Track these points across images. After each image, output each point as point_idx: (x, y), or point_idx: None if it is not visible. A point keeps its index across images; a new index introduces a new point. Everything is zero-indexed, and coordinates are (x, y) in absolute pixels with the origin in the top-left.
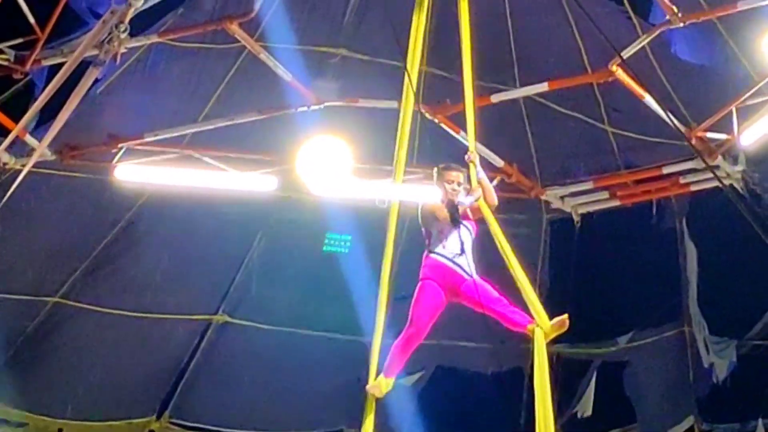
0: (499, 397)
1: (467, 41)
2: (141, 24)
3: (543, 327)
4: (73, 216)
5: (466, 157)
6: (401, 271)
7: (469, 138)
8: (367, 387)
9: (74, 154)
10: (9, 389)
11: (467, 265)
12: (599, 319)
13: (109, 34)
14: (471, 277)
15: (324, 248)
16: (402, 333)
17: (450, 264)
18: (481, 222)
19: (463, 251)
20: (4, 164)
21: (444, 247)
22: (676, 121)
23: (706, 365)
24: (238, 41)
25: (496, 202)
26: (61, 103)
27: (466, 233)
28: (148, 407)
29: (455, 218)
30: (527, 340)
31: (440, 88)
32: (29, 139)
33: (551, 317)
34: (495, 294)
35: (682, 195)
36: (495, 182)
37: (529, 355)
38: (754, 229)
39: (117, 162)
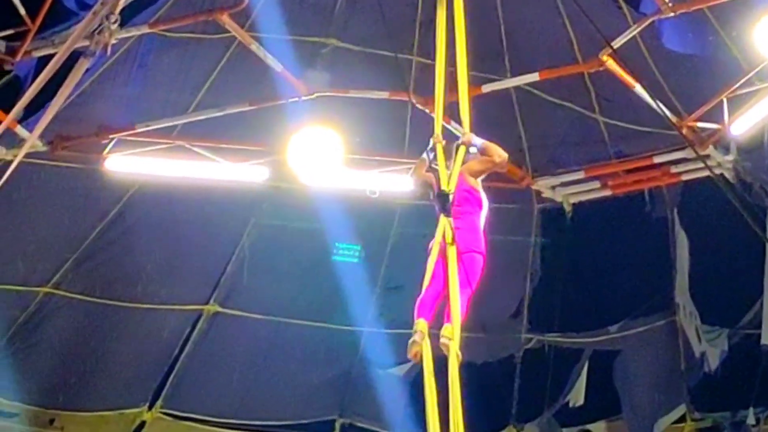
0: (491, 387)
1: (461, 27)
2: (131, 14)
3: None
4: (63, 206)
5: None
6: (393, 262)
7: (463, 119)
8: None
9: (65, 145)
10: (1, 380)
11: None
12: (590, 308)
13: (100, 24)
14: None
15: (333, 258)
16: None
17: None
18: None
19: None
20: None
21: None
22: (666, 111)
23: (697, 354)
24: (229, 32)
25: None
26: (52, 94)
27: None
28: (139, 397)
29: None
30: (519, 331)
31: (431, 78)
32: (20, 130)
33: (543, 306)
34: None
35: (673, 184)
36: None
37: (521, 344)
38: (745, 218)
39: (108, 153)
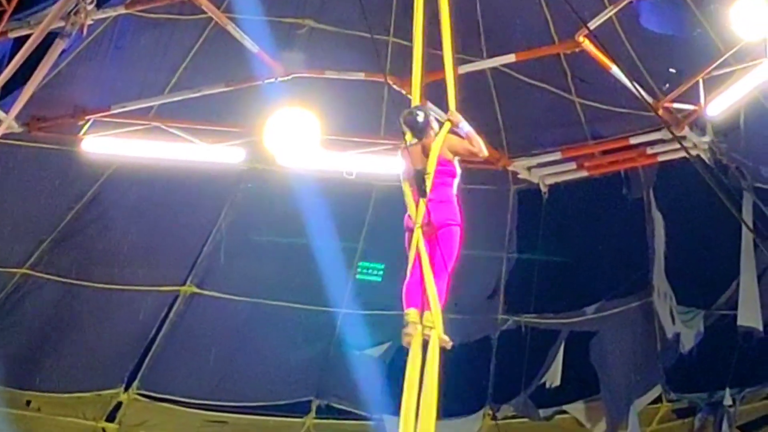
0: (467, 368)
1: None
2: None
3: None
4: (40, 188)
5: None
6: (370, 243)
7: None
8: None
9: (41, 126)
10: None
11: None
12: (566, 289)
13: (76, 5)
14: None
15: (358, 276)
16: None
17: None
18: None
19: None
20: None
21: None
22: (643, 92)
23: (669, 336)
24: (205, 13)
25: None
26: (28, 75)
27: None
28: (116, 379)
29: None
30: (495, 312)
31: (407, 60)
32: None
33: (520, 288)
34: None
35: (649, 166)
36: None
37: (498, 325)
38: (721, 200)
39: (84, 134)
